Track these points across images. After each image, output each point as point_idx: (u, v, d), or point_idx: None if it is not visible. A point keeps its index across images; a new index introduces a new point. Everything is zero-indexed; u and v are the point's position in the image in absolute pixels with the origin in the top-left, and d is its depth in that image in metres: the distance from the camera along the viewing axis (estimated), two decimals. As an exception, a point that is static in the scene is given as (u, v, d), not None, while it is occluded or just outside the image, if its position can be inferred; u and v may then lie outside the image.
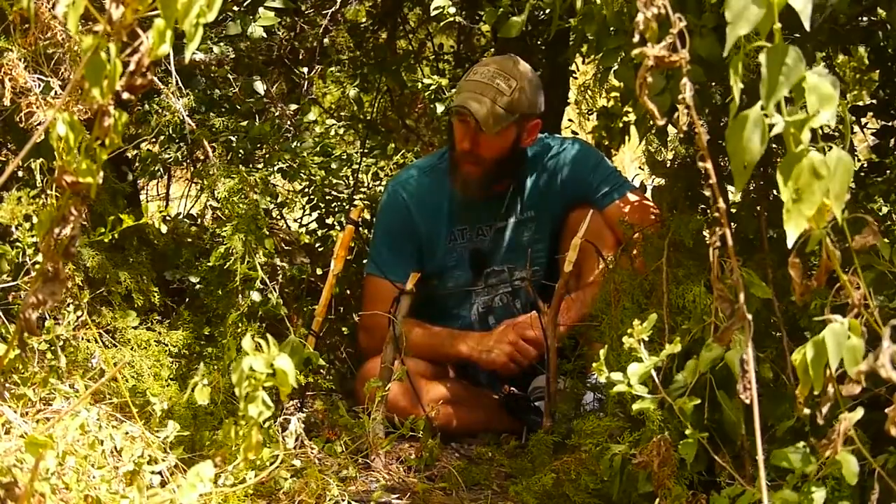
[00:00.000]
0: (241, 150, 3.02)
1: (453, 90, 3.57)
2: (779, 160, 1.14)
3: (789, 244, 1.13)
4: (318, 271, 3.24)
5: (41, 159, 2.35)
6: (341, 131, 3.74)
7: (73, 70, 2.36)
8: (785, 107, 1.12)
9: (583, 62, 3.76)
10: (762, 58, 1.10)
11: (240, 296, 2.49)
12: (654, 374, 1.69)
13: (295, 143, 3.15)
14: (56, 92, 2.34)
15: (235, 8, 3.14)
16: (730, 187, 2.31)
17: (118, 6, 1.06)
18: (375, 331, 2.71)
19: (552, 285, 2.62)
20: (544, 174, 2.92)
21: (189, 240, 3.12)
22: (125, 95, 1.12)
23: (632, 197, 2.81)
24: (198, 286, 2.71)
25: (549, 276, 2.89)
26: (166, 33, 1.08)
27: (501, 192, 2.88)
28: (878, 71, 2.77)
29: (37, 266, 2.21)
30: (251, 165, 2.98)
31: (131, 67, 1.11)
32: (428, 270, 2.85)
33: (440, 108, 3.39)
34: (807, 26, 1.10)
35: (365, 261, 3.06)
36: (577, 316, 2.68)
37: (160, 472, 1.82)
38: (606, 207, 2.80)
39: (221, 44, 3.21)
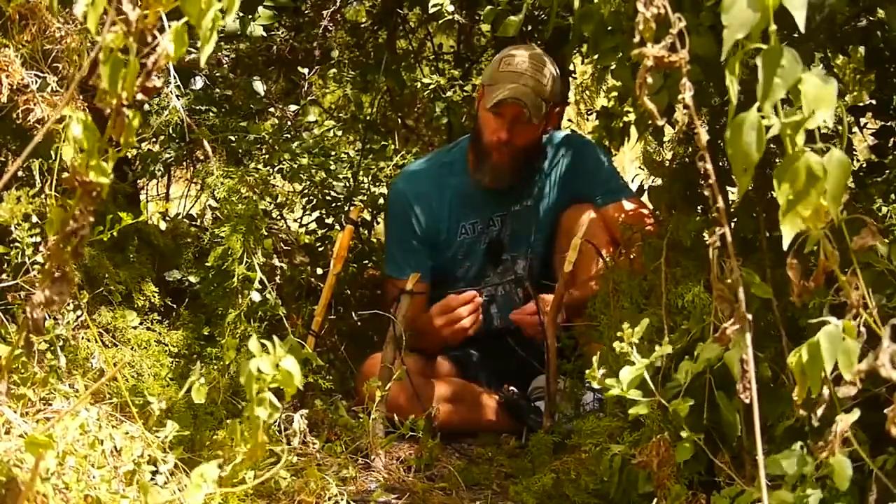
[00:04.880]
0: (240, 150, 3.02)
1: (452, 90, 3.57)
2: (778, 161, 1.13)
3: (785, 246, 1.13)
4: (318, 271, 3.24)
5: (39, 159, 2.35)
6: (339, 132, 3.74)
7: (70, 67, 2.35)
8: (782, 108, 1.12)
9: (581, 62, 3.76)
10: (758, 60, 1.10)
11: (239, 296, 2.49)
12: (648, 376, 1.69)
13: (295, 144, 3.15)
14: (52, 88, 2.33)
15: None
16: (729, 188, 2.32)
17: (135, 7, 1.06)
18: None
19: (551, 285, 2.62)
20: (547, 163, 2.93)
21: (188, 240, 3.12)
22: (139, 97, 1.12)
23: (632, 203, 2.79)
24: (197, 286, 2.71)
25: (545, 267, 2.90)
26: (184, 36, 1.08)
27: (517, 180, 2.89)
28: (875, 72, 2.77)
29: (36, 265, 2.20)
30: (251, 165, 2.98)
31: (147, 69, 1.11)
32: (436, 264, 2.88)
33: (440, 108, 3.38)
34: (801, 28, 1.09)
35: (363, 262, 3.07)
36: (581, 296, 2.64)
37: (159, 471, 1.82)
38: (604, 206, 2.80)
39: (221, 43, 3.20)
